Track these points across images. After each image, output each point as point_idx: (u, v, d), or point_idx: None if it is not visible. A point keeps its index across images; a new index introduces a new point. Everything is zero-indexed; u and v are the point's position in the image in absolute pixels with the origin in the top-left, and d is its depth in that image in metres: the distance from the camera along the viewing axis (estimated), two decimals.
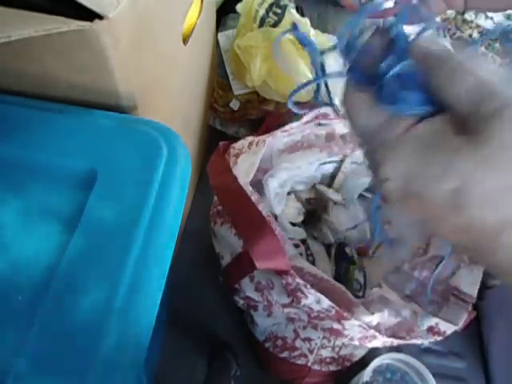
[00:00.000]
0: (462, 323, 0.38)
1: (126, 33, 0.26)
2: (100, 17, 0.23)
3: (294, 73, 0.54)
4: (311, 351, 0.42)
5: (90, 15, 0.23)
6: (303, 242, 0.50)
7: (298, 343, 0.42)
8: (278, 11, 0.55)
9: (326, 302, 0.35)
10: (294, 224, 0.50)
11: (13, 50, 0.27)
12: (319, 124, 0.47)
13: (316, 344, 0.41)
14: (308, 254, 0.49)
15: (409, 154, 0.19)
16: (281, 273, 0.36)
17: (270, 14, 0.56)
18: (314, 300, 0.35)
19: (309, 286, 0.35)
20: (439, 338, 0.38)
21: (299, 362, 0.43)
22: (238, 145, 0.44)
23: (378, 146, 0.20)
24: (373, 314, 0.37)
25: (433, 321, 0.38)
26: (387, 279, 0.44)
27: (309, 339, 0.41)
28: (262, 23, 0.56)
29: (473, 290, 0.40)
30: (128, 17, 0.25)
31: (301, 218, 0.51)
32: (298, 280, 0.35)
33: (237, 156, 0.43)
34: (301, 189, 0.52)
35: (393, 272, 0.45)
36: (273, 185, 0.46)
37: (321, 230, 0.51)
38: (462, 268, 0.41)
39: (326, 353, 0.42)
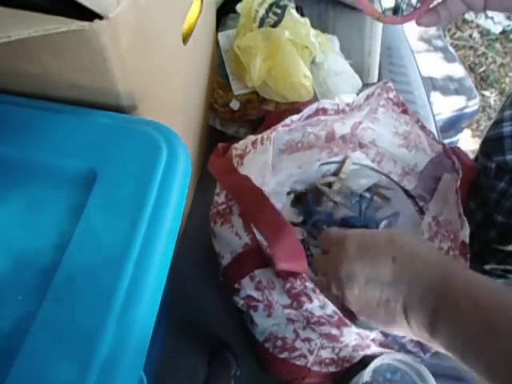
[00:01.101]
0: None
1: (126, 33, 0.26)
2: (100, 17, 0.23)
3: (293, 73, 0.54)
4: (311, 352, 0.42)
5: (90, 15, 0.23)
6: (302, 241, 0.50)
7: (298, 344, 0.42)
8: (278, 11, 0.55)
9: (330, 309, 0.35)
10: (294, 224, 0.50)
11: (13, 49, 0.27)
12: (319, 120, 0.47)
13: (316, 345, 0.41)
14: (307, 254, 0.49)
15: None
16: (289, 275, 0.36)
17: (270, 14, 0.55)
18: (318, 305, 0.35)
19: (318, 291, 0.35)
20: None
21: (299, 362, 0.43)
22: (240, 145, 0.44)
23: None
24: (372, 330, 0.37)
25: None
26: None
27: (309, 340, 0.41)
28: (261, 23, 0.56)
29: None
30: (128, 17, 0.25)
31: (301, 219, 0.51)
32: (308, 284, 0.35)
33: (241, 156, 0.43)
34: (301, 189, 0.52)
35: None
36: (272, 184, 0.46)
37: (319, 229, 0.51)
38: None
39: (325, 354, 0.42)
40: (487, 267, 0.51)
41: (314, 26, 0.67)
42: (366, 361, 0.43)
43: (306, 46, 0.57)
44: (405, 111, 0.49)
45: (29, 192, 0.27)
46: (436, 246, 0.45)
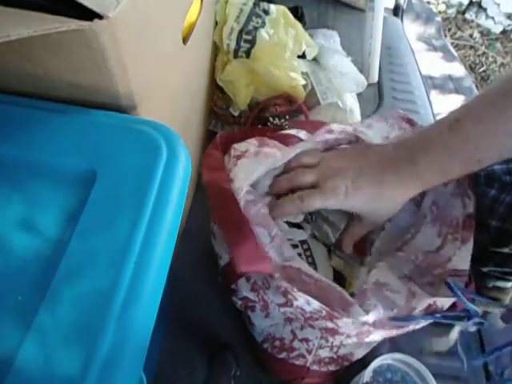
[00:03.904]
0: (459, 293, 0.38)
1: (126, 33, 0.26)
2: (100, 16, 0.23)
3: (280, 86, 0.57)
4: (309, 351, 0.42)
5: (90, 15, 0.23)
6: (303, 242, 0.50)
7: (296, 344, 0.42)
8: (249, 38, 0.55)
9: (315, 304, 0.35)
10: (294, 225, 0.50)
11: (12, 49, 0.27)
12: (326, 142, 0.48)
13: (314, 344, 0.41)
14: (307, 255, 0.49)
15: None
16: (269, 275, 0.36)
17: (242, 43, 0.55)
18: (303, 302, 0.35)
19: (295, 290, 0.35)
20: (438, 315, 0.38)
21: (298, 362, 0.43)
22: (242, 146, 0.44)
23: None
24: (367, 313, 0.36)
25: (430, 300, 0.38)
26: (385, 261, 0.44)
27: (306, 340, 0.41)
28: (236, 54, 0.56)
29: (466, 265, 0.41)
30: (128, 17, 0.25)
31: (301, 218, 0.51)
32: (285, 284, 0.35)
33: (238, 157, 0.43)
34: None
35: (390, 256, 0.45)
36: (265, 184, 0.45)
37: (321, 229, 0.51)
38: (457, 254, 0.42)
39: (324, 353, 0.42)
40: (485, 269, 0.51)
41: (314, 25, 0.68)
42: (366, 361, 0.43)
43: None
44: (410, 122, 0.50)
45: (29, 192, 0.27)
46: (437, 229, 0.45)
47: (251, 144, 0.44)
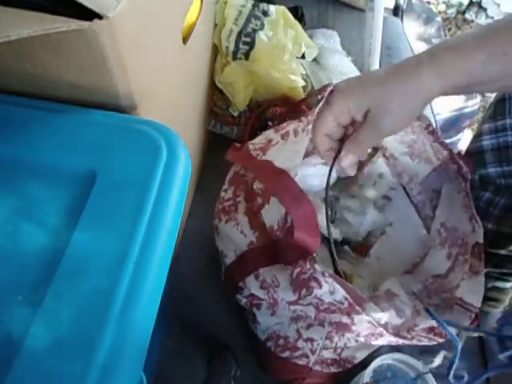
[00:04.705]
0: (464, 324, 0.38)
1: (126, 33, 0.26)
2: (100, 16, 0.23)
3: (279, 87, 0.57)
4: (313, 352, 0.42)
5: (90, 15, 0.23)
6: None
7: (301, 343, 0.42)
8: (248, 40, 0.55)
9: (340, 293, 0.34)
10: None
11: (12, 49, 0.26)
12: None
13: (318, 345, 0.41)
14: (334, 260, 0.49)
15: None
16: (300, 258, 0.35)
17: (241, 45, 0.55)
18: (327, 290, 0.34)
19: (327, 274, 0.34)
20: (440, 340, 0.38)
21: (300, 362, 0.43)
22: (259, 139, 0.44)
23: None
24: (383, 311, 0.36)
25: (434, 323, 0.38)
26: (397, 277, 0.44)
27: (311, 340, 0.41)
28: (235, 56, 0.56)
29: (476, 300, 0.40)
30: (128, 17, 0.25)
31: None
32: (316, 266, 0.34)
33: (262, 149, 0.42)
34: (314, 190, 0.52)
35: (402, 274, 0.45)
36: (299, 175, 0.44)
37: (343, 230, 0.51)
38: (466, 280, 0.41)
39: (327, 354, 0.42)
40: (484, 270, 0.51)
41: (313, 25, 0.68)
42: (366, 361, 0.43)
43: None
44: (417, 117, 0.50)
45: (29, 191, 0.27)
46: (446, 251, 0.45)
47: (267, 134, 0.44)
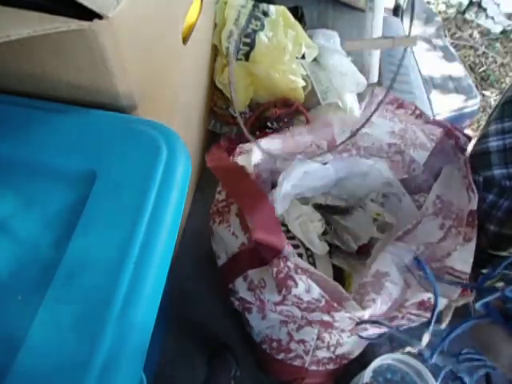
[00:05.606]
0: (454, 296, 0.38)
1: (126, 33, 0.26)
2: (100, 17, 0.23)
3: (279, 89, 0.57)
4: (306, 353, 0.42)
5: (90, 15, 0.23)
6: (328, 253, 0.50)
7: (293, 345, 0.42)
8: (248, 41, 0.55)
9: (316, 291, 0.34)
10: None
11: (12, 49, 0.27)
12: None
13: (310, 345, 0.41)
14: (308, 254, 0.49)
15: None
16: (273, 257, 0.35)
17: (241, 46, 0.55)
18: (304, 289, 0.35)
19: (300, 271, 0.34)
20: (428, 314, 0.38)
21: (296, 363, 0.43)
22: (246, 145, 0.44)
23: None
24: (364, 309, 0.36)
25: (424, 295, 0.38)
26: (386, 250, 0.44)
27: (303, 341, 0.41)
28: (235, 57, 0.55)
29: (467, 268, 0.40)
30: (128, 17, 0.25)
31: (322, 229, 0.51)
32: (289, 264, 0.34)
33: (241, 154, 0.43)
34: (314, 195, 0.52)
35: (391, 245, 0.45)
36: (286, 186, 0.45)
37: (341, 238, 0.51)
38: (458, 249, 0.41)
39: (321, 353, 0.42)
40: (485, 271, 0.51)
41: (313, 25, 0.67)
42: (366, 361, 0.43)
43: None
44: (400, 105, 0.49)
45: (29, 191, 0.27)
46: (439, 221, 0.44)
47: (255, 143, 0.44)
